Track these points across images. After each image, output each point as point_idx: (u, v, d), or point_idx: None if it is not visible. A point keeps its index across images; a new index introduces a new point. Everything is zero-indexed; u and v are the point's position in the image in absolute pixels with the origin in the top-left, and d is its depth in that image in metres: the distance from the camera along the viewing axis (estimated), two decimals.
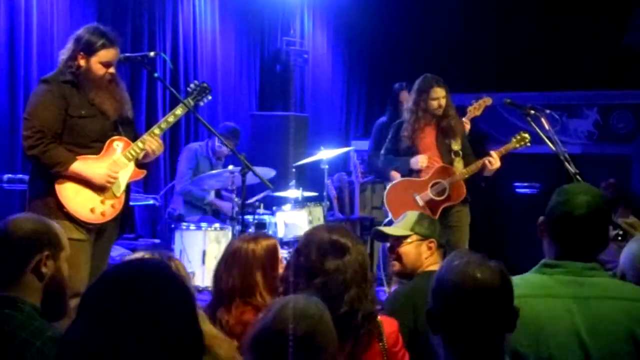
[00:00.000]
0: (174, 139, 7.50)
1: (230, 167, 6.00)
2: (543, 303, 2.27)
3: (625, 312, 2.26)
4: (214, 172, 6.26)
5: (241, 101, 8.51)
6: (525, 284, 2.32)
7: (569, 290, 2.29)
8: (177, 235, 6.05)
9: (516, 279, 2.31)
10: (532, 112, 5.22)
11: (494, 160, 5.39)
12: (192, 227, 6.10)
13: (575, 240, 2.37)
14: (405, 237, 3.50)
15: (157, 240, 6.82)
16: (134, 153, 4.23)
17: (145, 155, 4.31)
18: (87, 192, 4.09)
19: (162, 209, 6.98)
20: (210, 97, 4.62)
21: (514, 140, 5.48)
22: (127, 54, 4.43)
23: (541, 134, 5.22)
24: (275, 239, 3.22)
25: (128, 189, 4.32)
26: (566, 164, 4.78)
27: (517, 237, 7.21)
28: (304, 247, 2.54)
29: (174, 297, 1.46)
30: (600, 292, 2.29)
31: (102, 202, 4.14)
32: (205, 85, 4.58)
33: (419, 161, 5.44)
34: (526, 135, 5.42)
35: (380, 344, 2.58)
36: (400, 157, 5.56)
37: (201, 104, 4.59)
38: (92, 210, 4.09)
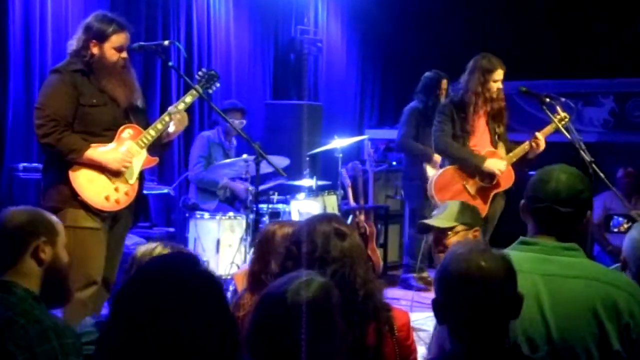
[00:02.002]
0: (187, 129, 7.47)
1: (245, 155, 6.00)
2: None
3: (589, 291, 2.24)
4: (228, 160, 6.27)
5: (255, 90, 8.51)
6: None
7: (537, 266, 2.29)
8: (191, 224, 6.07)
9: None
10: (548, 100, 5.18)
11: (540, 142, 5.25)
12: (207, 215, 6.11)
13: (550, 217, 2.37)
14: (451, 228, 3.43)
15: (171, 229, 6.84)
16: (145, 141, 4.25)
17: (169, 134, 4.35)
18: (101, 180, 4.11)
19: (177, 198, 6.99)
20: (218, 85, 4.66)
21: (555, 120, 5.18)
22: (142, 43, 4.44)
23: (556, 122, 5.19)
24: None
25: (142, 176, 4.34)
26: (582, 152, 4.75)
27: None
28: (306, 237, 2.52)
29: (206, 295, 1.45)
30: (567, 271, 2.28)
31: (116, 189, 4.16)
32: (213, 72, 4.64)
33: (498, 167, 5.28)
34: (565, 114, 5.19)
35: (393, 337, 2.56)
36: (456, 141, 5.35)
37: (210, 90, 4.61)
38: (106, 198, 4.12)
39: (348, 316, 2.32)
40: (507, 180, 5.33)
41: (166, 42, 4.56)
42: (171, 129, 4.33)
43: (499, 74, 5.29)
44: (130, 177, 4.22)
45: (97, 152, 4.09)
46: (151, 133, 4.26)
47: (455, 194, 5.25)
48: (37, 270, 2.38)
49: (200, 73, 4.63)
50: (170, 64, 4.63)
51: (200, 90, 4.44)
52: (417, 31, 9.51)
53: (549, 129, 5.29)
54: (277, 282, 1.96)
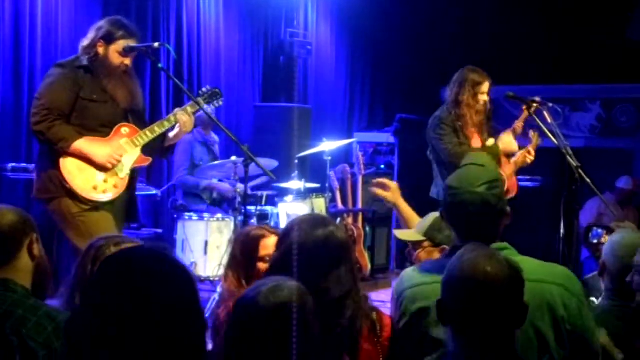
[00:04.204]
0: None
1: (233, 157, 6.00)
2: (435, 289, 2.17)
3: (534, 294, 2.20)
4: (216, 162, 6.27)
5: (244, 92, 8.52)
6: (424, 273, 2.43)
7: None
8: (179, 225, 6.07)
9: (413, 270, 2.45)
10: (535, 105, 5.22)
11: (531, 158, 5.38)
12: (195, 217, 6.11)
13: (475, 226, 2.38)
14: (418, 242, 3.22)
15: (159, 231, 6.84)
16: (141, 140, 4.31)
17: (175, 136, 4.41)
18: (91, 170, 4.17)
19: (165, 199, 6.99)
20: (221, 102, 4.77)
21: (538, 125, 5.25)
22: (132, 45, 4.46)
23: (544, 127, 5.22)
24: (262, 231, 3.18)
25: (134, 175, 4.37)
26: (568, 157, 4.79)
27: (519, 229, 7.20)
28: (291, 255, 2.37)
29: (170, 280, 1.48)
30: None
31: (105, 180, 4.21)
32: (217, 90, 4.74)
33: (506, 173, 5.30)
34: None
35: (376, 339, 2.53)
36: None
37: (211, 107, 4.64)
38: (94, 188, 4.16)
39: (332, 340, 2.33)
40: (513, 187, 5.40)
41: (156, 44, 4.58)
42: (173, 132, 4.39)
43: (486, 86, 5.34)
44: (120, 171, 4.25)
45: (87, 144, 4.13)
46: (147, 134, 4.31)
47: None
48: (31, 265, 2.45)
49: (203, 89, 4.74)
50: (160, 65, 4.65)
51: (202, 104, 4.49)
52: (407, 35, 9.55)
53: (536, 141, 5.39)
54: (247, 290, 1.97)
